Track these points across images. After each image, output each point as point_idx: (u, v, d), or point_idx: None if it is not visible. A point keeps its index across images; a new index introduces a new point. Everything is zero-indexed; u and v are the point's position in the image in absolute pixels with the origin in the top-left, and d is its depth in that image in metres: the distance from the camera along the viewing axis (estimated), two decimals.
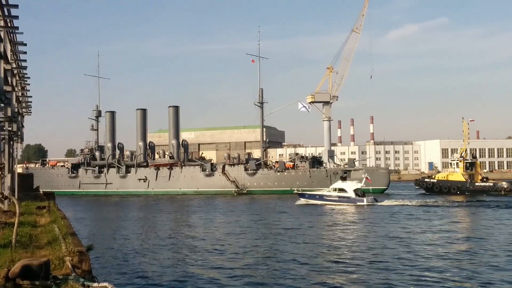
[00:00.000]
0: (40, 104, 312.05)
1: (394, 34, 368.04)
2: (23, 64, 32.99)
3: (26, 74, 41.18)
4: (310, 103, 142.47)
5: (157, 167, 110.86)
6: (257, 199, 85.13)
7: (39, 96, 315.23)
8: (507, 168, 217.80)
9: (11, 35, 26.46)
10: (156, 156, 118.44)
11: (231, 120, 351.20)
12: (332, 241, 35.70)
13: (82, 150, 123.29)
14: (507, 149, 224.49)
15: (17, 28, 25.57)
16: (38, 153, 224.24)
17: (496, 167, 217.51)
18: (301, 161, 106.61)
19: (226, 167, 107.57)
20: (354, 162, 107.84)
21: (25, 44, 30.01)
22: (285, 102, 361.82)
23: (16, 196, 24.78)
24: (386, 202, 65.85)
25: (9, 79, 25.56)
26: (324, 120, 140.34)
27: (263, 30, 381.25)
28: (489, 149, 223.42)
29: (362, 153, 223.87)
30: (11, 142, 36.44)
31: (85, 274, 10.26)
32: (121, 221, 52.38)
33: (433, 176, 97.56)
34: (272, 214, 57.25)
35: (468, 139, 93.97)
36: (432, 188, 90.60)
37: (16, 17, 24.50)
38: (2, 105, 23.28)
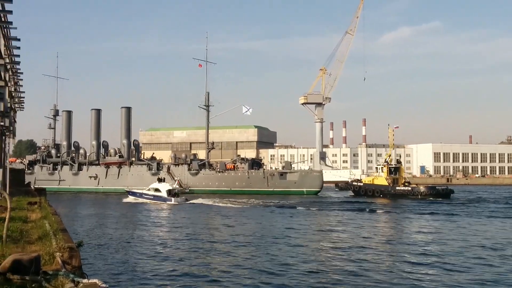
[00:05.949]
0: (33, 100, 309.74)
1: (388, 37, 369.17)
2: (17, 59, 32.95)
3: (19, 69, 41.13)
4: (302, 104, 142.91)
5: (107, 165, 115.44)
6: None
7: (32, 92, 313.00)
8: (499, 173, 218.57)
9: (5, 30, 26.40)
10: (108, 155, 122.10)
11: (223, 120, 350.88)
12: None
13: (39, 148, 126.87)
14: (499, 154, 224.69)
15: (11, 23, 25.49)
16: (30, 148, 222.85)
17: (489, 172, 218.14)
18: (241, 163, 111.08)
19: (171, 166, 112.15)
20: (290, 165, 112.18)
21: (19, 40, 29.93)
22: (279, 103, 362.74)
23: (7, 191, 24.70)
24: (198, 201, 74.51)
25: (2, 74, 25.51)
26: (316, 122, 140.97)
27: (259, 29, 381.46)
28: (481, 154, 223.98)
29: (354, 155, 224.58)
30: (3, 137, 36.38)
31: (75, 270, 10.28)
32: (101, 218, 52.44)
33: (361, 180, 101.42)
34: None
35: (393, 145, 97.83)
36: (358, 191, 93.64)
37: (10, 12, 24.42)
38: None
